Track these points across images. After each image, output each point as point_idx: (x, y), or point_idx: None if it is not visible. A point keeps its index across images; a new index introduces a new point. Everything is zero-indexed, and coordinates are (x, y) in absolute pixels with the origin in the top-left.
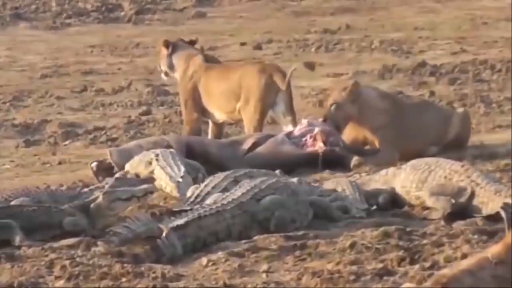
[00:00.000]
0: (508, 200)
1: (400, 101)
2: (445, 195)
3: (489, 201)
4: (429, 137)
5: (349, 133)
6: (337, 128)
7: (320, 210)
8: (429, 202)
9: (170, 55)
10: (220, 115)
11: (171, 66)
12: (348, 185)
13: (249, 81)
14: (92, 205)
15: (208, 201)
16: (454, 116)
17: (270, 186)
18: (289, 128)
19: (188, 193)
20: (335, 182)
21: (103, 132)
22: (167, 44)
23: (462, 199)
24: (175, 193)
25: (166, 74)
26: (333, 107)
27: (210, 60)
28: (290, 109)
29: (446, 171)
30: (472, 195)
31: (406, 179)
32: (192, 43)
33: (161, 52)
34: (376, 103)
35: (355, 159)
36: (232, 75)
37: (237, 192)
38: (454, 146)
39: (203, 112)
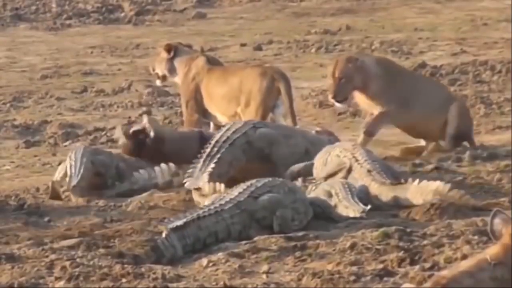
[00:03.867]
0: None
1: (398, 68)
2: (332, 170)
3: (360, 179)
4: (430, 111)
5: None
6: (345, 100)
7: (320, 210)
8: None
9: (171, 59)
10: (221, 118)
11: (172, 70)
12: (340, 186)
13: (250, 84)
14: None
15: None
16: (451, 107)
17: (266, 184)
18: None
19: None
20: (329, 185)
21: (103, 133)
22: (169, 48)
23: (341, 172)
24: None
25: (164, 78)
26: (343, 81)
27: (212, 62)
28: (291, 111)
29: (337, 150)
30: (350, 169)
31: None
32: (188, 47)
33: (160, 55)
34: (373, 69)
35: None
36: (233, 78)
37: (234, 192)
38: (460, 139)
39: (205, 114)
